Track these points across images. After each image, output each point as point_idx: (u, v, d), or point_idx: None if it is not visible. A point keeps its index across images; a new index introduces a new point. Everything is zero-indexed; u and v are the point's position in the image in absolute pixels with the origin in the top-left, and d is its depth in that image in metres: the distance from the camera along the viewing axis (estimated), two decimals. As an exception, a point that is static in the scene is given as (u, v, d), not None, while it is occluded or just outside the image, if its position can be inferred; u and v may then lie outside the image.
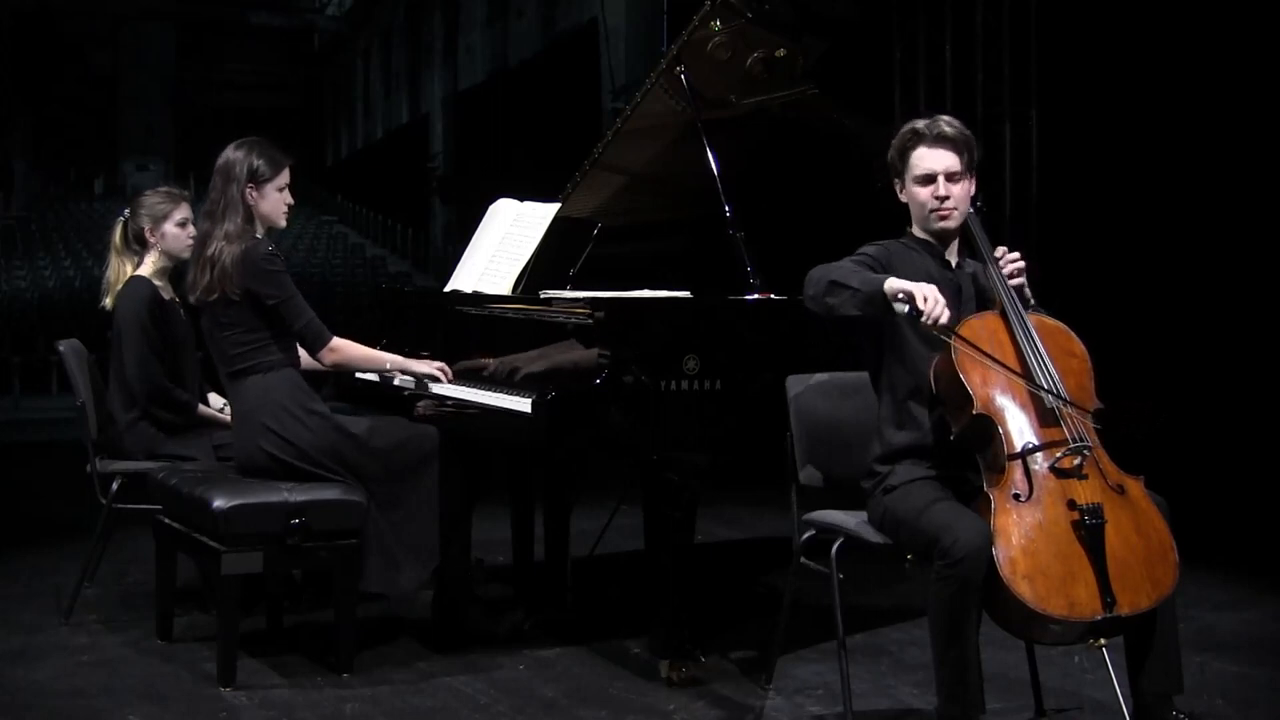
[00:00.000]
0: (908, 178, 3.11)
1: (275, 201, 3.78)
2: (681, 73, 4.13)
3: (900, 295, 2.79)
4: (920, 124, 3.09)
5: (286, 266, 3.76)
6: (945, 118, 3.10)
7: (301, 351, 3.83)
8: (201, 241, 3.75)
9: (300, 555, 3.57)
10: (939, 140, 3.06)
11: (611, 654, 3.85)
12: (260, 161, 3.74)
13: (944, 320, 2.77)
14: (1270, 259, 6.44)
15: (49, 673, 3.67)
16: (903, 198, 3.16)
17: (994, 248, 3.08)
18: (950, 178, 3.06)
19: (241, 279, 3.63)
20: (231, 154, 3.76)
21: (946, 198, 3.06)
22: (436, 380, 3.89)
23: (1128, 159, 7.08)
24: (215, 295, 3.67)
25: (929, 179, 3.07)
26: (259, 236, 3.75)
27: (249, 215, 3.73)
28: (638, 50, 14.54)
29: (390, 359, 3.92)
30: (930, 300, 2.76)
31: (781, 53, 4.20)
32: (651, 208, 4.68)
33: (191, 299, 3.76)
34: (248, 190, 3.72)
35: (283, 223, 3.84)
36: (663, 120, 4.31)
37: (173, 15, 32.27)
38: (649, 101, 4.21)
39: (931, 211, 3.08)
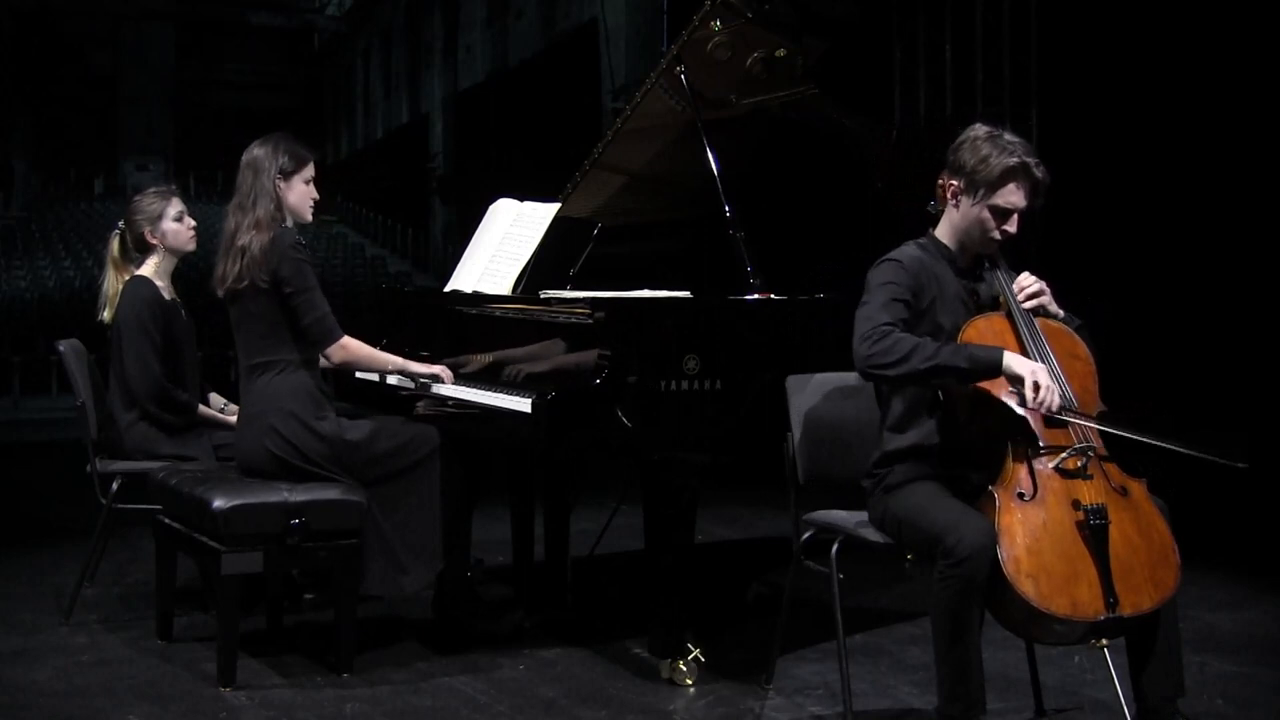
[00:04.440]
0: (982, 196, 2.99)
1: (302, 194, 3.83)
2: (681, 73, 4.13)
3: (1017, 384, 2.77)
4: (1031, 161, 2.96)
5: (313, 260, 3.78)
6: (1034, 157, 2.99)
7: None
8: (231, 234, 3.76)
9: (300, 555, 3.57)
10: (1036, 182, 2.99)
11: (611, 654, 3.85)
12: (285, 156, 3.79)
13: (1053, 407, 2.75)
14: (1271, 259, 6.44)
15: (49, 673, 3.67)
16: (954, 201, 3.06)
17: (1013, 275, 3.05)
18: (1020, 215, 3.02)
19: (268, 263, 3.65)
20: (257, 150, 3.82)
21: (1011, 233, 3.02)
22: (438, 382, 3.89)
23: (1128, 159, 7.08)
24: (244, 284, 3.68)
25: (1008, 213, 3.00)
26: (288, 226, 3.77)
27: (279, 204, 3.76)
28: (638, 50, 14.54)
29: (394, 361, 3.92)
30: (1043, 390, 2.74)
31: (781, 53, 4.19)
32: (651, 208, 4.68)
33: (220, 291, 3.76)
34: (277, 181, 3.76)
35: (309, 216, 3.87)
36: (663, 120, 4.31)
37: (173, 15, 32.23)
38: (649, 101, 4.21)
39: (988, 237, 3.03)
